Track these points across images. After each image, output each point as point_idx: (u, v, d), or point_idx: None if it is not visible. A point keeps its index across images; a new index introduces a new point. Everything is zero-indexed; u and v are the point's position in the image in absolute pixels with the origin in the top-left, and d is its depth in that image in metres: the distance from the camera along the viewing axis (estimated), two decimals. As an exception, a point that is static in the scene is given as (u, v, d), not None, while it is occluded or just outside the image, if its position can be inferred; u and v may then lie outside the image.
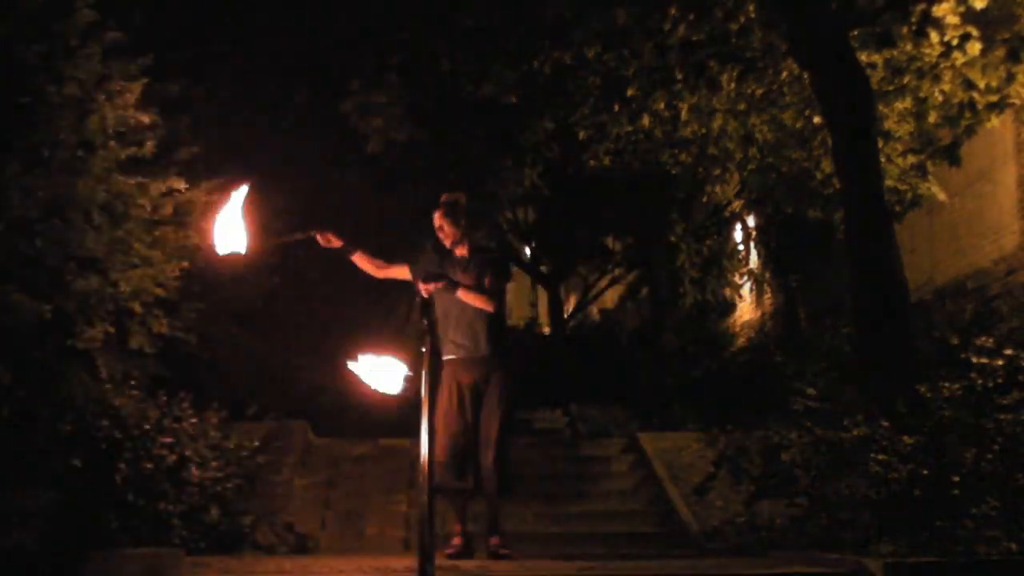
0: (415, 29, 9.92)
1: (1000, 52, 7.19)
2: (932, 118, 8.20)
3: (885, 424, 5.98)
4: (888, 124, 8.58)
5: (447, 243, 6.10)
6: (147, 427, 6.01)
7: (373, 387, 4.53)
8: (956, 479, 5.33)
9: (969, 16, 6.95)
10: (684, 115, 8.80)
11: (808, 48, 7.26)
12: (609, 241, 18.51)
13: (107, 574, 4.44)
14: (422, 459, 4.24)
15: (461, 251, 6.10)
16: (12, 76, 6.21)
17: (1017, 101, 7.58)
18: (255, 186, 4.69)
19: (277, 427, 8.40)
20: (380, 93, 10.26)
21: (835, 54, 7.17)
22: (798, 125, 8.95)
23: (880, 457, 5.75)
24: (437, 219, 6.12)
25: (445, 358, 5.93)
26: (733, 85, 8.32)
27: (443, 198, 6.17)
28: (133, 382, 6.41)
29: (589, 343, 17.80)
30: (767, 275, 14.82)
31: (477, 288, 5.91)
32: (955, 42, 7.09)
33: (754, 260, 15.02)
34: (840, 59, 7.20)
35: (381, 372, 4.50)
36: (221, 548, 6.04)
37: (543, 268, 20.82)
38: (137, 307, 6.55)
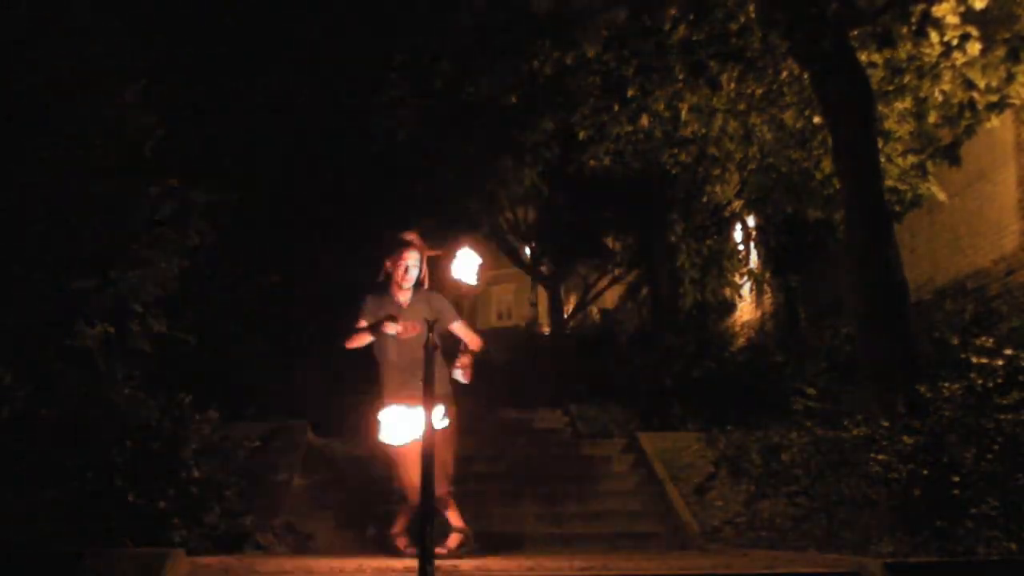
0: (416, 29, 9.93)
1: (1000, 52, 7.20)
2: (932, 118, 8.21)
3: (885, 424, 5.99)
4: (888, 124, 8.59)
5: (406, 284, 6.04)
6: (147, 427, 6.01)
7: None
8: (956, 479, 5.33)
9: (969, 16, 6.95)
10: (684, 115, 8.80)
11: (808, 48, 7.27)
12: (609, 241, 18.52)
13: (107, 574, 4.44)
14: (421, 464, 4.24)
15: (405, 294, 6.08)
16: (11, 75, 6.21)
17: (1017, 101, 7.58)
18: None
19: (277, 427, 8.39)
20: (382, 93, 10.27)
21: (835, 54, 7.17)
22: (798, 125, 8.95)
23: (880, 457, 5.76)
24: (409, 257, 6.03)
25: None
26: (733, 85, 8.32)
27: (411, 236, 6.09)
28: (133, 382, 6.40)
29: (589, 343, 17.80)
30: (767, 275, 14.82)
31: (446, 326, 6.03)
32: (955, 42, 7.09)
33: (754, 260, 15.02)
34: (840, 59, 7.20)
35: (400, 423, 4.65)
36: (221, 548, 6.04)
37: (543, 268, 20.83)
38: (137, 307, 6.55)
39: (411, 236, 6.12)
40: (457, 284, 5.76)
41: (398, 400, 5.75)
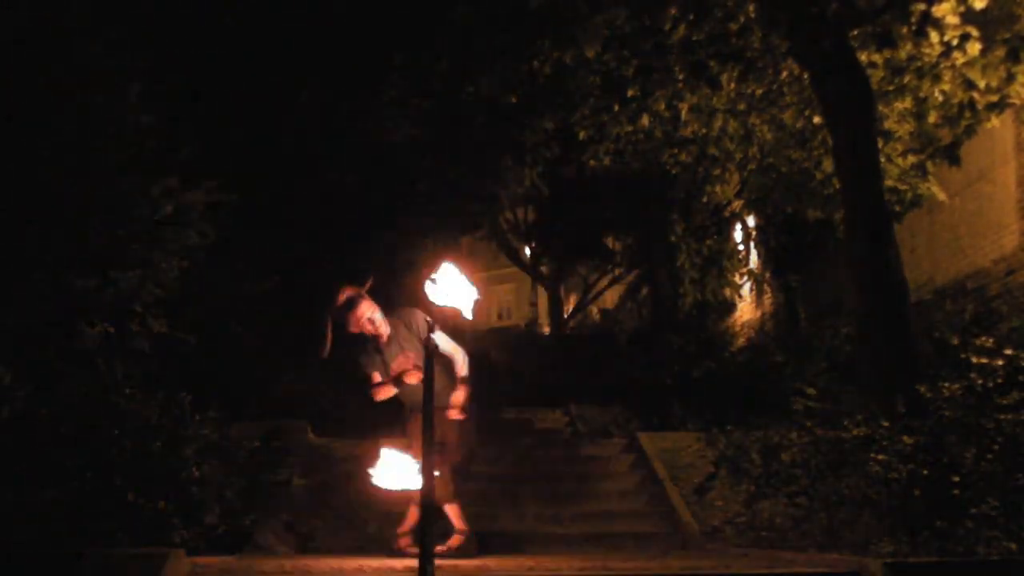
0: (416, 28, 9.92)
1: (1000, 52, 7.19)
2: (932, 118, 8.20)
3: (885, 424, 5.99)
4: (888, 124, 8.59)
5: (379, 330, 6.06)
6: (147, 427, 6.01)
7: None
8: (956, 479, 5.33)
9: (969, 16, 6.95)
10: (684, 115, 8.80)
11: (808, 48, 7.27)
12: (609, 241, 18.53)
13: (107, 574, 4.44)
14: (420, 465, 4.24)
15: (384, 335, 6.10)
16: (12, 75, 6.21)
17: (1017, 101, 7.58)
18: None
19: (277, 427, 8.39)
20: (382, 93, 10.27)
21: (835, 54, 7.17)
22: (798, 125, 8.95)
23: (880, 457, 5.76)
24: (364, 311, 6.00)
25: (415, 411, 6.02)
26: (733, 85, 8.32)
27: (349, 291, 6.05)
28: (133, 382, 6.40)
29: (589, 343, 17.80)
30: (767, 275, 14.83)
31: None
32: (955, 42, 7.09)
33: (754, 260, 15.02)
34: (840, 59, 7.20)
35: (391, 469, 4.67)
36: (221, 548, 6.04)
37: (543, 268, 20.84)
38: (137, 307, 6.55)
39: (349, 291, 6.09)
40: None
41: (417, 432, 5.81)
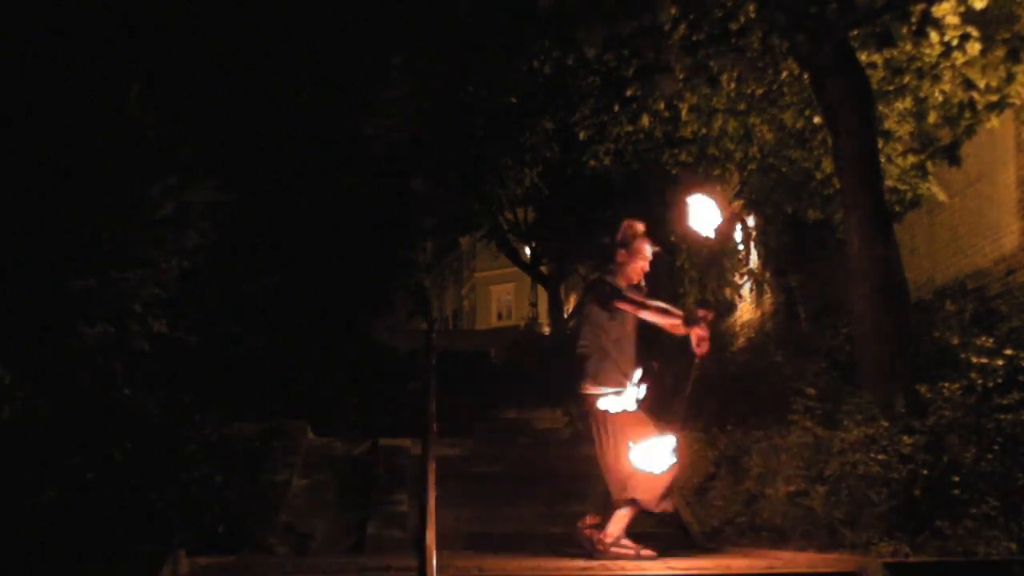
0: (416, 29, 9.93)
1: (1000, 52, 7.18)
2: (932, 118, 8.19)
3: (885, 424, 5.99)
4: (888, 124, 8.58)
5: (637, 279, 6.11)
6: (147, 427, 6.01)
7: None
8: (956, 479, 5.34)
9: (969, 16, 6.94)
10: (684, 115, 8.80)
11: (808, 48, 7.27)
12: (609, 241, 18.53)
13: (107, 574, 4.44)
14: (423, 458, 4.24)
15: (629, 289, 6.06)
16: (11, 75, 6.22)
17: (1017, 101, 7.57)
18: None
19: (277, 427, 8.39)
20: (381, 93, 10.28)
21: (835, 54, 7.17)
22: (798, 125, 8.95)
23: (880, 457, 5.76)
24: (648, 250, 6.06)
25: (616, 389, 6.18)
26: (733, 85, 8.32)
27: (643, 227, 6.10)
28: (133, 382, 6.40)
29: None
30: (767, 275, 14.81)
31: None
32: (955, 42, 7.08)
33: (754, 260, 15.00)
34: (840, 59, 7.20)
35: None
36: (221, 548, 6.04)
37: (543, 268, 20.83)
38: (137, 307, 6.56)
39: (643, 226, 6.07)
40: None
41: (608, 384, 6.05)
